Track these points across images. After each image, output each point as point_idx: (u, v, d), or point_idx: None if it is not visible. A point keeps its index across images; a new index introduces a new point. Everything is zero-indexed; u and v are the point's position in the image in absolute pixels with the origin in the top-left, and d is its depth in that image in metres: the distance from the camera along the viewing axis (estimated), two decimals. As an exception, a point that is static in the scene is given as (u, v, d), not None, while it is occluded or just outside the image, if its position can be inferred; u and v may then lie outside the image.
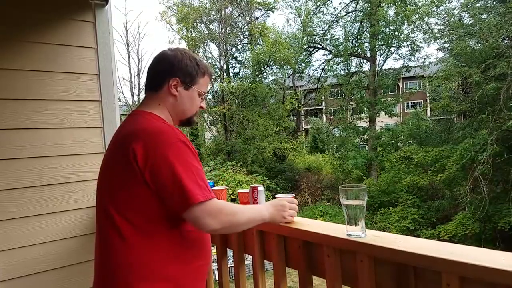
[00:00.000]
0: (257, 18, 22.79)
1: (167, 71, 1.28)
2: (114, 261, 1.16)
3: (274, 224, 1.48)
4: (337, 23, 21.91)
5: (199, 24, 21.53)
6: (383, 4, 19.45)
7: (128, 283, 1.12)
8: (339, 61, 21.66)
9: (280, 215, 1.35)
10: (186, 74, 1.29)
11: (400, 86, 25.66)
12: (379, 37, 20.53)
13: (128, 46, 20.27)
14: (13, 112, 1.81)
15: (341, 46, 21.30)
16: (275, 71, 22.79)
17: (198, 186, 1.10)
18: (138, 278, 1.12)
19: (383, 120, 23.01)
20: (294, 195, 1.40)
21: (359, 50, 21.41)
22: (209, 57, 22.24)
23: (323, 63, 22.97)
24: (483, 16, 14.81)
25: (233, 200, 11.69)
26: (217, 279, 1.99)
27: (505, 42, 14.05)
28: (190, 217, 1.11)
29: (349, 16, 21.61)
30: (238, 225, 1.22)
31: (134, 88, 20.66)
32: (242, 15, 22.22)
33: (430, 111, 22.08)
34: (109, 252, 1.17)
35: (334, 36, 22.20)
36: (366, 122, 21.74)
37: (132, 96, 20.76)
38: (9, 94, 1.80)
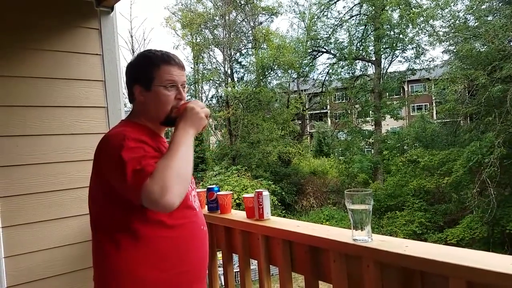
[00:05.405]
0: (261, 23, 22.87)
1: (130, 81, 1.30)
2: (94, 262, 1.24)
3: (279, 229, 1.48)
4: (341, 27, 21.93)
5: (203, 30, 21.65)
6: (387, 7, 19.43)
7: (105, 284, 1.19)
8: (343, 64, 21.62)
9: (198, 118, 1.22)
10: (142, 76, 1.25)
11: (406, 89, 25.54)
12: (384, 40, 20.48)
13: (133, 52, 20.40)
14: (20, 119, 1.82)
15: (345, 50, 21.28)
16: (279, 75, 22.82)
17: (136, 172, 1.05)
18: (110, 281, 1.17)
19: (388, 124, 22.87)
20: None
21: (363, 54, 21.38)
22: (214, 62, 22.37)
23: (327, 66, 22.95)
24: (489, 18, 14.75)
25: (238, 205, 11.59)
26: (223, 284, 1.98)
27: (511, 44, 13.96)
28: (148, 205, 1.05)
29: (353, 19, 21.63)
30: (175, 171, 1.07)
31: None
32: (246, 20, 22.32)
33: (436, 114, 21.93)
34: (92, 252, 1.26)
35: (338, 40, 22.22)
36: (372, 125, 21.64)
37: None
38: (16, 101, 1.82)
